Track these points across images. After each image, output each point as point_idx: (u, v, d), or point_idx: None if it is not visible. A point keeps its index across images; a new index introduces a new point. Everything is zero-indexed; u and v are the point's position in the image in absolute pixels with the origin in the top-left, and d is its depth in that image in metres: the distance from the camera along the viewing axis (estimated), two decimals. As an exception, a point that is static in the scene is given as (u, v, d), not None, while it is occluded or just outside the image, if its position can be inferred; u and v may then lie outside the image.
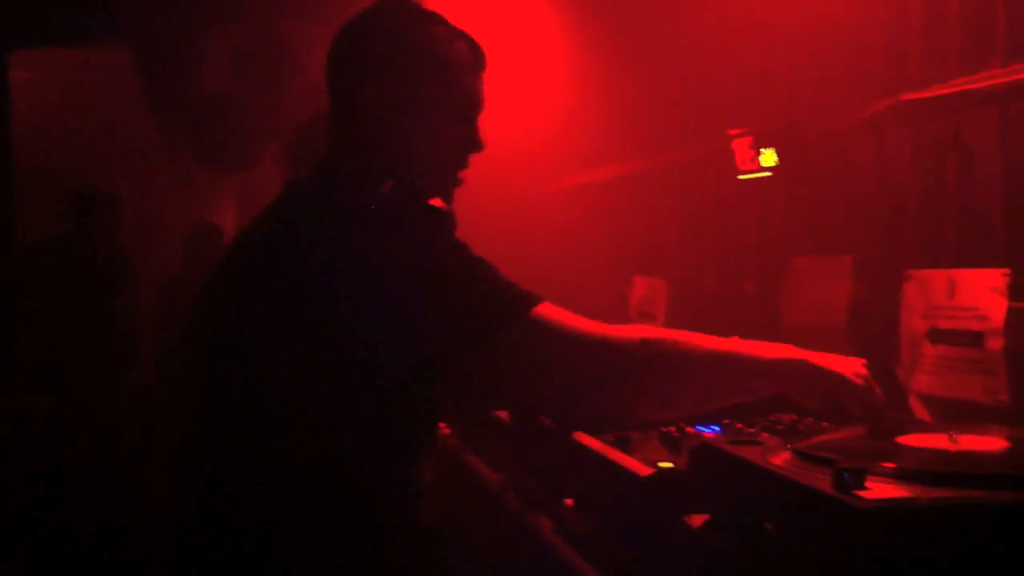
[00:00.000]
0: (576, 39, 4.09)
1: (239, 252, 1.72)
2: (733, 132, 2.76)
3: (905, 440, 1.38)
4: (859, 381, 1.59)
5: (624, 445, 1.62)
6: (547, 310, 1.52)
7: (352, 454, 1.51)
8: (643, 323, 3.36)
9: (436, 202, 1.67)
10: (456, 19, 1.74)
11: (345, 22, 1.74)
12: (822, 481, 1.13)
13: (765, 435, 1.49)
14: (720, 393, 1.60)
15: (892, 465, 1.18)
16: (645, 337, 1.54)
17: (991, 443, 1.38)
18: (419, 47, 1.67)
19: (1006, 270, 1.90)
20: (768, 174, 2.67)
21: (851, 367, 1.61)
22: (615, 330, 1.55)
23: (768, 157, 2.66)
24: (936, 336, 2.05)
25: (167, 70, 5.41)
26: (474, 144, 1.74)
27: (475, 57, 1.73)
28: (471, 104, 1.73)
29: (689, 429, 1.67)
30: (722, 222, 3.21)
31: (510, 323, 1.48)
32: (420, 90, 1.66)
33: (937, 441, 1.36)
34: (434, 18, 1.72)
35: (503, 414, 2.09)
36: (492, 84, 1.75)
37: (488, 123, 1.74)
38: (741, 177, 2.74)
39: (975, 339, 1.94)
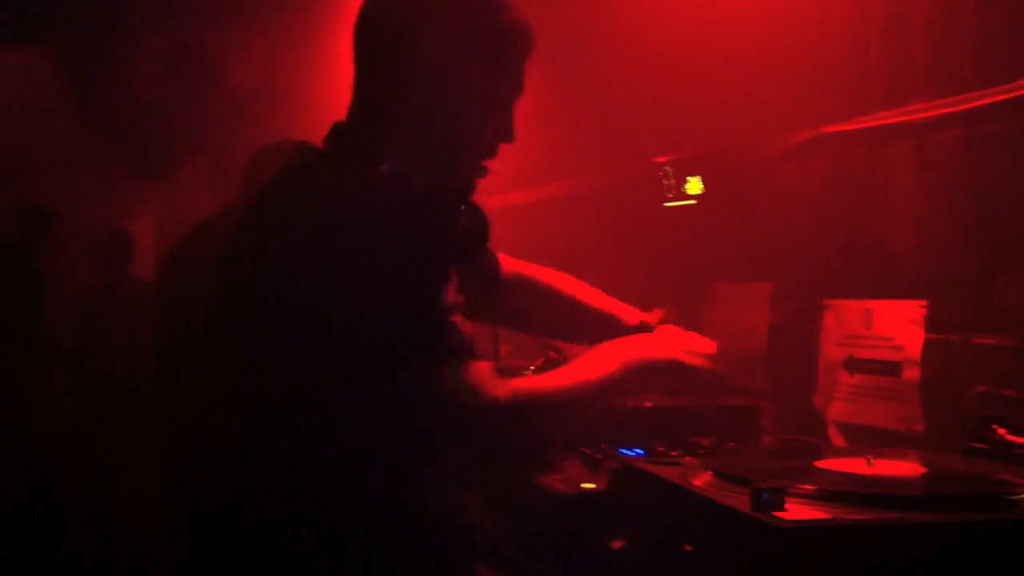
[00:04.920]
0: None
1: (236, 220, 1.55)
2: (660, 159, 2.79)
3: (823, 463, 1.40)
4: (695, 360, 1.58)
5: (546, 466, 1.61)
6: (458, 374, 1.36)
7: (347, 446, 1.38)
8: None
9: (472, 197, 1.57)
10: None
11: None
12: (742, 501, 1.14)
13: (687, 457, 1.49)
14: (579, 419, 1.55)
15: (811, 487, 1.19)
16: (515, 390, 1.41)
17: (906, 467, 1.40)
18: (475, 15, 1.51)
19: (923, 302, 1.94)
20: (693, 202, 2.70)
21: (684, 346, 1.59)
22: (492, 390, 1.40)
23: (694, 185, 2.69)
24: (853, 365, 2.08)
25: (93, 75, 5.31)
26: (508, 133, 1.58)
27: (527, 34, 1.55)
28: (515, 86, 1.56)
29: (612, 451, 1.66)
30: (646, 247, 3.22)
31: (412, 370, 1.35)
32: (470, 62, 1.50)
33: (854, 464, 1.37)
34: None
35: None
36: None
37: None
38: (668, 205, 2.76)
39: (892, 368, 1.97)
